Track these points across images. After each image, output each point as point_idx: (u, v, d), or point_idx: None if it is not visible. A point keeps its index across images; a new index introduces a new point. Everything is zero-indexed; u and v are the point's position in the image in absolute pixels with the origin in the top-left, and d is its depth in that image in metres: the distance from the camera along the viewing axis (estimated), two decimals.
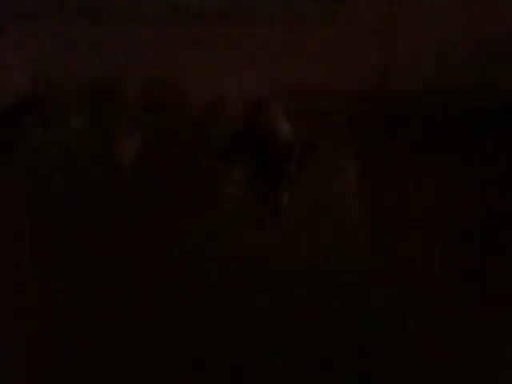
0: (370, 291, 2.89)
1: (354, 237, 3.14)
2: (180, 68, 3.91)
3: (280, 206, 2.98)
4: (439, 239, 3.18)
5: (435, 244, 3.15)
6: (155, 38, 3.97)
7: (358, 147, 3.60)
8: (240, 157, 3.15)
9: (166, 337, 2.64)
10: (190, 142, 3.52)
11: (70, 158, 3.46)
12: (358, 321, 2.77)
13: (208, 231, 3.02)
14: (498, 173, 3.51)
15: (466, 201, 3.38)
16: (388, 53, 3.84)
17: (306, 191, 3.17)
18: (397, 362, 2.62)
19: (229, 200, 3.11)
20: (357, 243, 3.11)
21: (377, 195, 3.39)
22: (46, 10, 4.01)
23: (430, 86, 3.86)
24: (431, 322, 2.80)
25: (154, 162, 3.42)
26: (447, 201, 3.38)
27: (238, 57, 3.81)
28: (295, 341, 2.67)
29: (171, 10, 3.99)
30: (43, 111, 3.67)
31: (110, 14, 4.02)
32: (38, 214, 3.17)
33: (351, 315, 2.78)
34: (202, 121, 3.66)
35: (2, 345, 2.57)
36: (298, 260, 3.00)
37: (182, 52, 3.90)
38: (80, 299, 2.75)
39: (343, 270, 2.98)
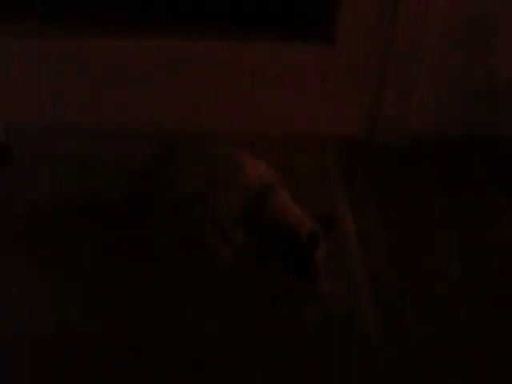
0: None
1: None
2: None
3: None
4: (439, 239, 3.19)
5: (435, 243, 3.16)
6: None
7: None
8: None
9: (167, 337, 2.64)
10: None
11: None
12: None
13: None
14: None
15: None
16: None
17: None
18: (396, 362, 2.63)
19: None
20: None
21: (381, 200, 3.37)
22: None
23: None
24: (431, 322, 2.80)
25: None
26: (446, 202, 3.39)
27: None
28: (294, 340, 2.68)
29: None
30: None
31: None
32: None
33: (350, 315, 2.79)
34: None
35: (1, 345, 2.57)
36: None
37: None
38: (80, 298, 2.75)
39: None
